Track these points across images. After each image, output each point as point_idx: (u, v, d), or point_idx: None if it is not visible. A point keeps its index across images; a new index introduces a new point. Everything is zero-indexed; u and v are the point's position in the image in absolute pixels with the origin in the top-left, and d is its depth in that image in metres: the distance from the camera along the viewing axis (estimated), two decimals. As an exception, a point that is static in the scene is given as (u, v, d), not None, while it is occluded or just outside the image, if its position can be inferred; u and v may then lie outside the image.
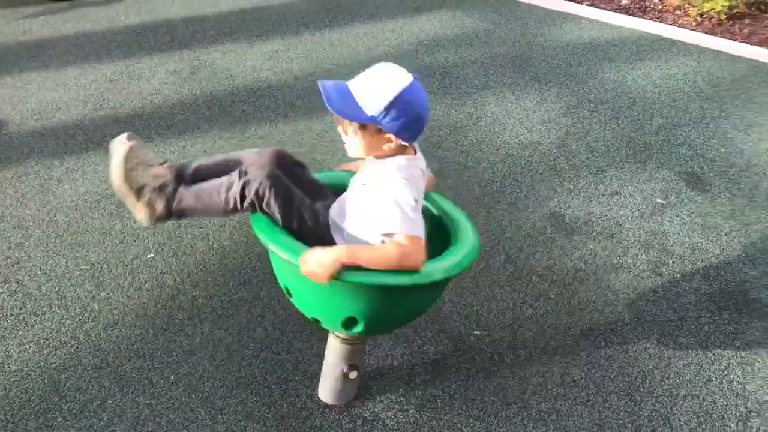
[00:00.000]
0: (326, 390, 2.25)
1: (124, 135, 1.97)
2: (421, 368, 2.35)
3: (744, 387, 2.21)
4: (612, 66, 4.27)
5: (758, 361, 2.29)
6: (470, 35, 4.84)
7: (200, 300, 2.69)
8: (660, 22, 4.95)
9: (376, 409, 2.21)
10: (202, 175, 2.02)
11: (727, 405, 2.15)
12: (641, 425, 2.11)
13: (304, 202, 1.91)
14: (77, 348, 2.50)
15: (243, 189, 1.85)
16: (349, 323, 1.88)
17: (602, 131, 3.58)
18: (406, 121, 1.79)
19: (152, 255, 2.94)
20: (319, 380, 2.28)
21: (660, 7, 5.24)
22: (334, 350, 2.14)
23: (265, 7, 5.65)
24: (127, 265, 2.88)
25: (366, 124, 1.79)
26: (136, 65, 4.73)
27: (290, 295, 1.96)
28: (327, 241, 1.90)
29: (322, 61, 4.59)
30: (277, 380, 2.33)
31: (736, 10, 4.86)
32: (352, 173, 2.10)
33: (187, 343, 2.50)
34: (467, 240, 1.96)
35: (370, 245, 1.81)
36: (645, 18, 5.03)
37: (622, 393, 2.21)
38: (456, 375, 2.32)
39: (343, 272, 1.70)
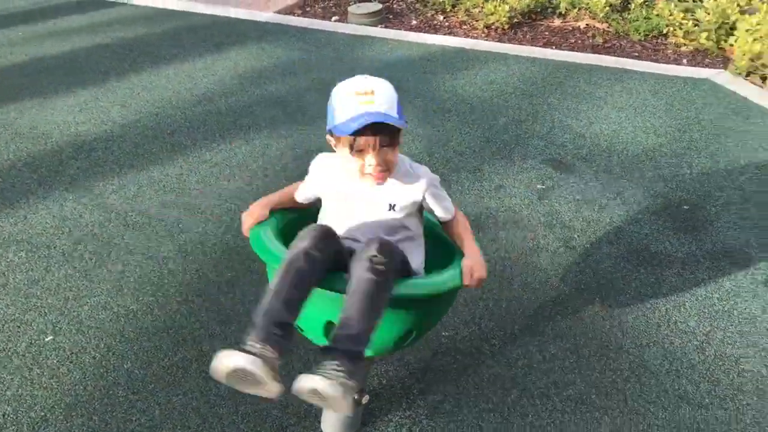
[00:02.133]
0: (335, 424, 2.13)
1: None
2: (412, 379, 2.32)
3: (687, 324, 2.51)
4: (437, 78, 4.57)
5: (686, 301, 2.62)
6: (288, 64, 4.86)
7: (137, 371, 2.39)
8: (453, 36, 5.39)
9: (389, 430, 2.15)
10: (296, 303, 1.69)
11: (682, 342, 2.43)
12: (628, 377, 2.30)
13: None
14: (9, 459, 2.09)
15: (390, 264, 1.69)
16: (404, 337, 1.89)
17: (460, 136, 3.82)
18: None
19: (51, 337, 2.55)
20: (317, 419, 2.16)
21: (447, 24, 5.71)
22: (342, 379, 2.03)
23: (46, 59, 5.13)
24: (23, 354, 2.47)
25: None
26: None
27: None
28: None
29: (143, 107, 4.30)
30: (273, 429, 2.16)
31: (515, 20, 5.46)
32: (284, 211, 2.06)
33: (147, 419, 2.21)
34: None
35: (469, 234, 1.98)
36: (439, 34, 5.45)
37: (598, 354, 2.39)
38: (447, 376, 2.33)
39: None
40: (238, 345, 1.60)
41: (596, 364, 2.36)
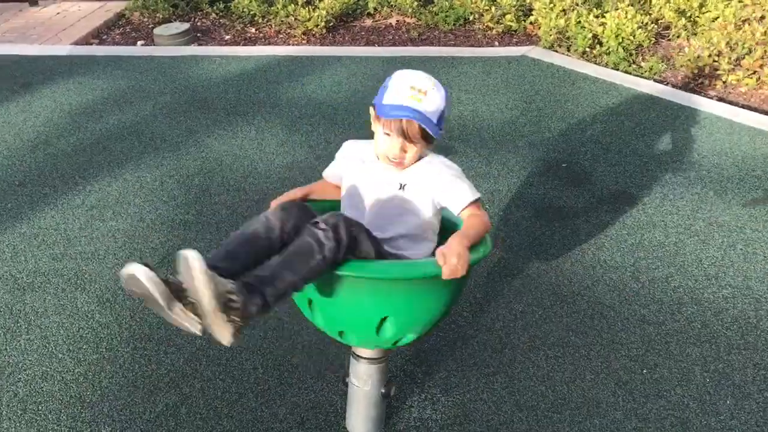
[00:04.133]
0: (366, 423, 2.13)
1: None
2: (411, 365, 2.39)
3: (614, 260, 2.85)
4: (285, 86, 4.58)
5: (604, 242, 2.96)
6: (119, 94, 4.56)
7: (121, 432, 2.19)
8: (274, 45, 5.42)
9: (414, 415, 2.20)
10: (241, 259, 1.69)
11: (618, 276, 2.76)
12: (592, 315, 2.57)
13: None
14: None
15: (336, 237, 1.64)
16: (381, 326, 1.79)
17: (337, 136, 3.89)
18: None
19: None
20: (338, 426, 2.15)
21: (261, 35, 5.71)
22: (368, 375, 2.03)
23: None
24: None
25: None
26: None
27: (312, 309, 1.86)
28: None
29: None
30: (303, 446, 2.11)
31: (331, 24, 5.61)
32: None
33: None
34: None
35: (468, 229, 1.81)
36: (260, 45, 5.44)
37: (558, 302, 2.63)
38: (442, 354, 2.43)
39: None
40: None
41: (560, 311, 2.59)
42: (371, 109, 1.92)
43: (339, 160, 2.08)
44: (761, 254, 2.85)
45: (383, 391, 2.08)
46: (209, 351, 2.47)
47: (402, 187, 1.91)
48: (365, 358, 2.01)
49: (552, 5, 5.03)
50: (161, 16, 5.99)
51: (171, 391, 2.32)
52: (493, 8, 5.38)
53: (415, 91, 1.78)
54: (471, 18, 5.55)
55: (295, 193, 2.04)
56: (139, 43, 5.70)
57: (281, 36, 5.63)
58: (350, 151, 2.06)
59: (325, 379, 2.35)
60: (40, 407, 2.27)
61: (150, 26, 5.96)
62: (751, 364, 2.34)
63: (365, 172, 1.95)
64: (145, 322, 2.61)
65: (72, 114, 4.32)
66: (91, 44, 5.72)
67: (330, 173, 2.11)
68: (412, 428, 2.16)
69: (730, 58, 4.43)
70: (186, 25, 5.73)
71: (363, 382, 2.05)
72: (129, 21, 6.16)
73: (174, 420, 2.21)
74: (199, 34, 5.80)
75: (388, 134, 1.82)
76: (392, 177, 1.92)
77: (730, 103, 4.20)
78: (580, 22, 4.82)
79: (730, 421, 2.14)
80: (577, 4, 5.00)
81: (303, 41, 5.49)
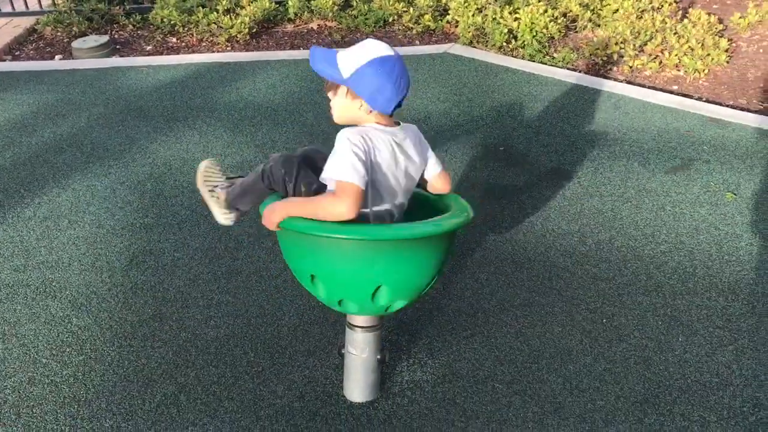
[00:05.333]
0: (364, 389, 2.27)
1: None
2: (394, 335, 2.55)
3: (561, 228, 3.11)
4: (221, 92, 4.63)
5: (550, 213, 3.22)
6: (49, 108, 4.48)
7: (123, 424, 2.27)
8: (200, 53, 5.45)
9: (406, 378, 2.36)
10: None
11: (566, 242, 3.02)
12: (550, 277, 2.81)
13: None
14: None
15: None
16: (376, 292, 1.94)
17: (282, 135, 3.99)
18: (373, 89, 1.94)
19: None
20: (336, 395, 2.29)
21: (183, 44, 5.71)
22: (365, 343, 2.19)
23: None
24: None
25: (345, 87, 1.97)
26: None
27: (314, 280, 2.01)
28: None
29: None
30: (307, 416, 2.23)
31: (254, 30, 5.69)
32: None
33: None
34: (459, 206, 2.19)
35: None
36: (184, 54, 5.45)
37: (519, 268, 2.86)
38: (421, 323, 2.60)
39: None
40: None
41: (521, 276, 2.82)
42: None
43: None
44: (688, 213, 3.18)
45: (379, 357, 2.23)
46: (197, 342, 2.55)
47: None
48: (361, 327, 2.16)
49: (467, 4, 5.32)
50: (76, 30, 5.89)
51: (166, 382, 2.38)
52: (411, 9, 5.62)
53: None
54: (390, 20, 5.77)
55: None
56: (57, 57, 5.58)
57: (204, 44, 5.66)
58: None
59: (316, 355, 2.47)
60: (34, 410, 2.28)
61: (65, 41, 5.85)
62: (694, 306, 2.64)
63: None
64: (126, 321, 2.65)
65: (1, 130, 4.22)
66: (5, 60, 5.56)
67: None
68: (406, 390, 2.31)
69: (634, 45, 4.84)
70: (105, 38, 5.66)
71: (360, 350, 2.19)
72: (41, 36, 6.01)
73: (175, 407, 2.28)
74: (118, 46, 5.74)
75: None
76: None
77: (639, 85, 4.61)
78: (495, 18, 5.13)
79: (684, 354, 2.42)
80: (490, 3, 5.31)
81: (227, 48, 5.55)
